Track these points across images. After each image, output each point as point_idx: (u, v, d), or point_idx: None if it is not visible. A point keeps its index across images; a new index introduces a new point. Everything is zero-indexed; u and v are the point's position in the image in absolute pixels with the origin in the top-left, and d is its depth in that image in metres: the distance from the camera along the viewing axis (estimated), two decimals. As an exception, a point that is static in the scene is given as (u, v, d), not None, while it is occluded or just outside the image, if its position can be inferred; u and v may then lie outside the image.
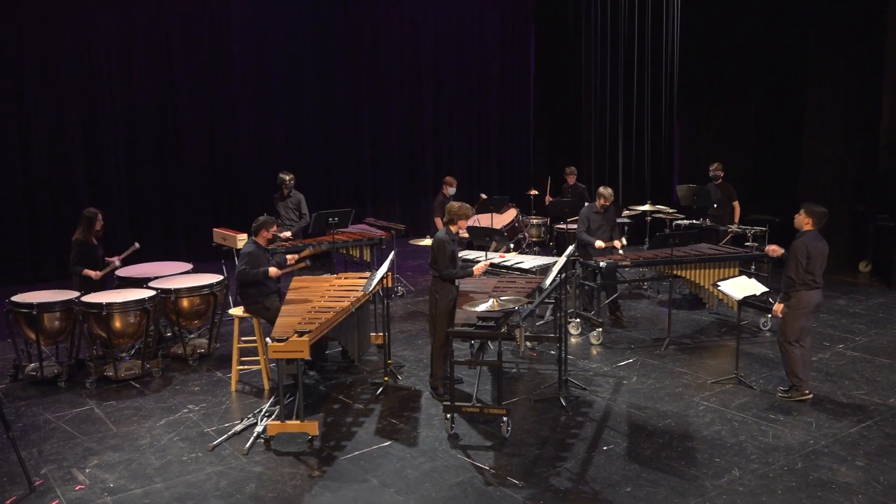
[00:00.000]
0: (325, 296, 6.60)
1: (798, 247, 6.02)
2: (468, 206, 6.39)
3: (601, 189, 8.53)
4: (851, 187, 10.84)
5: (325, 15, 12.80)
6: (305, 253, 7.25)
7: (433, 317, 6.32)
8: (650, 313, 8.98)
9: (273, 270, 6.60)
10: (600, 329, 7.89)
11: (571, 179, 11.21)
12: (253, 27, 12.12)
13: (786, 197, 10.71)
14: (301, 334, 5.52)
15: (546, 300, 7.03)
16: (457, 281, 6.35)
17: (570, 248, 6.61)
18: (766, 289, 6.61)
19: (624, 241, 8.66)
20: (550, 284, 6.17)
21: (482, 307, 5.57)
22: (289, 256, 7.13)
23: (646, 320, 8.70)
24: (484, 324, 5.63)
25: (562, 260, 6.21)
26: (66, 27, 10.56)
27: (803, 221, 6.12)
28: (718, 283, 6.74)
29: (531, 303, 5.99)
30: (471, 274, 6.38)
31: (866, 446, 5.44)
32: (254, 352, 6.92)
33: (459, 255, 8.27)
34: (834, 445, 5.46)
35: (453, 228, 6.33)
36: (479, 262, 7.07)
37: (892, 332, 8.06)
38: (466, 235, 9.03)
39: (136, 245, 7.83)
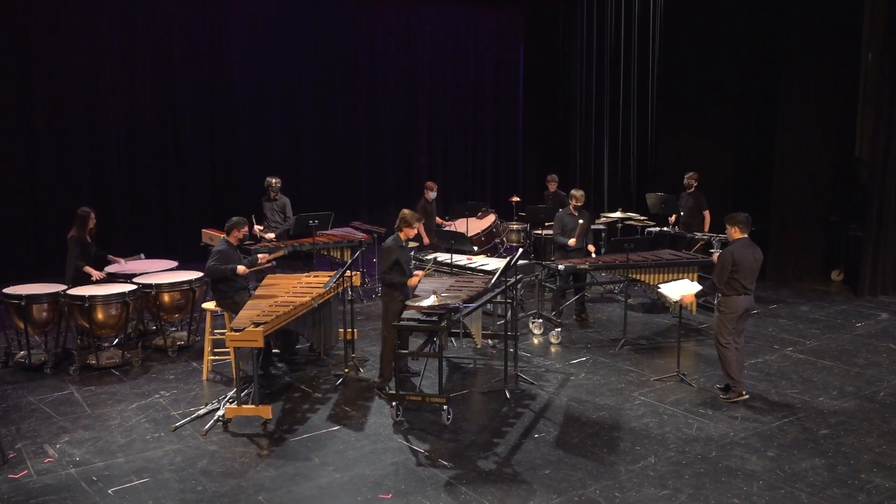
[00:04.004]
0: (290, 292, 7.07)
1: (725, 255, 6.38)
2: (418, 215, 6.79)
3: (573, 191, 8.94)
4: (825, 198, 11.12)
5: (323, 25, 13.33)
6: (277, 254, 7.72)
7: (384, 320, 6.70)
8: (617, 316, 9.33)
9: (241, 269, 7.09)
10: (559, 329, 8.29)
11: (552, 187, 11.61)
12: (252, 37, 12.68)
13: (760, 207, 11.00)
14: (257, 325, 6.00)
15: (502, 300, 7.46)
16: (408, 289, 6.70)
17: (519, 252, 7.01)
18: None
19: (591, 248, 8.98)
20: (493, 285, 6.58)
21: (424, 303, 6.01)
22: (260, 256, 7.60)
23: (610, 322, 9.08)
24: (427, 318, 6.06)
25: (503, 263, 6.62)
26: (72, 36, 11.16)
27: (730, 232, 6.49)
28: (659, 286, 7.12)
29: (470, 301, 6.39)
30: (404, 283, 6.60)
31: (782, 439, 5.80)
32: (225, 343, 7.39)
33: (432, 256, 8.77)
34: (752, 438, 5.82)
35: (402, 235, 6.67)
36: (439, 262, 7.48)
37: (843, 337, 8.37)
38: (428, 241, 9.48)
39: (142, 256, 8.39)
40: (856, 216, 10.73)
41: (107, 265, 8.10)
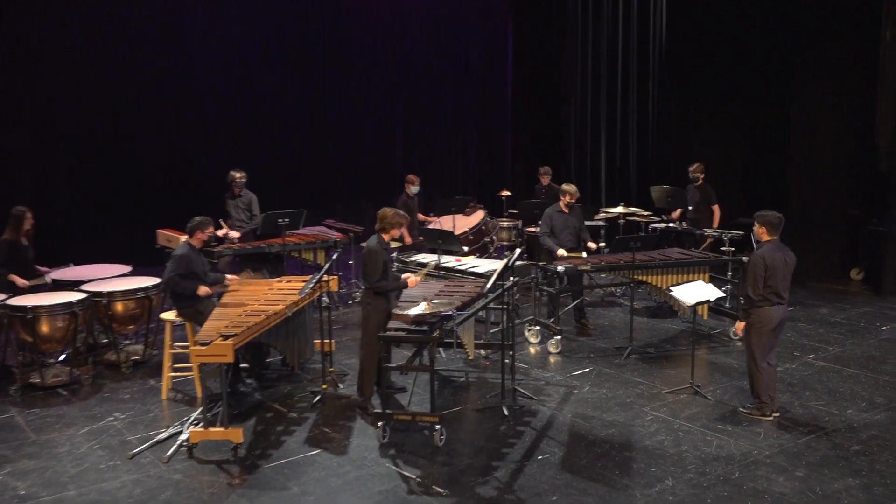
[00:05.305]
0: (261, 299, 6.91)
1: (755, 260, 6.24)
2: (403, 213, 6.67)
3: (565, 186, 8.86)
4: (843, 190, 11.13)
5: (291, 4, 13.15)
6: (244, 275, 7.55)
7: (364, 332, 6.56)
8: (620, 322, 9.27)
9: (203, 290, 6.90)
10: (559, 337, 8.20)
11: (545, 180, 11.53)
12: (214, 19, 12.48)
13: (774, 200, 11.00)
14: (226, 338, 5.83)
15: (496, 306, 7.35)
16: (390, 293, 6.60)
17: (516, 253, 6.91)
18: (721, 294, 6.92)
19: (592, 245, 8.94)
20: (489, 290, 6.46)
21: (414, 310, 5.88)
22: (229, 277, 7.42)
23: (613, 329, 9.01)
24: (417, 328, 5.93)
25: (500, 265, 6.52)
26: (12, 14, 10.91)
27: (759, 232, 6.38)
28: (671, 289, 7.05)
29: (464, 307, 6.27)
30: (405, 286, 6.61)
31: (810, 457, 5.74)
32: (188, 358, 7.20)
33: (416, 257, 8.65)
34: (777, 456, 5.76)
35: (385, 237, 6.56)
36: (424, 264, 7.36)
37: (868, 342, 8.37)
38: (410, 241, 9.36)
39: (72, 265, 8.21)
40: (877, 209, 10.74)
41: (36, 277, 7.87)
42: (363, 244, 7.35)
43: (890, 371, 7.47)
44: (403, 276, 6.71)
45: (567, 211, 8.76)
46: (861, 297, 10.27)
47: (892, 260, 10.16)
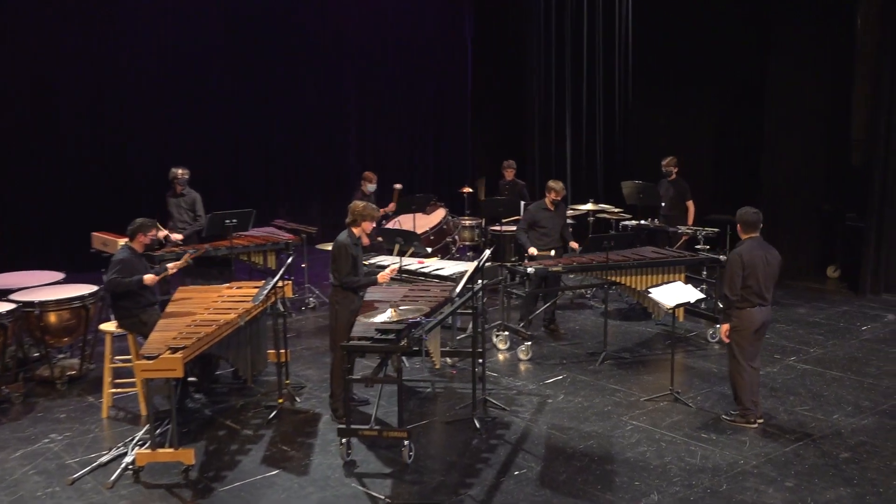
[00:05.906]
0: (211, 307, 6.74)
1: (732, 259, 6.28)
2: (373, 206, 6.62)
3: (551, 183, 8.82)
4: (818, 185, 11.30)
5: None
6: (184, 260, 7.31)
7: (333, 330, 6.51)
8: (592, 325, 9.28)
9: (149, 278, 6.72)
10: (529, 343, 8.16)
11: (509, 174, 11.48)
12: (148, 3, 12.19)
13: (746, 195, 11.12)
14: (174, 350, 5.66)
15: (464, 311, 7.27)
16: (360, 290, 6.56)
17: (486, 254, 6.85)
18: (702, 295, 6.95)
19: (574, 245, 8.97)
20: (460, 294, 6.39)
21: (380, 318, 5.78)
22: (169, 265, 7.23)
23: (585, 333, 9.01)
24: (382, 337, 5.82)
25: (472, 267, 6.45)
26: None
27: (738, 230, 6.43)
28: (649, 290, 7.06)
29: (435, 314, 6.20)
30: (375, 282, 6.59)
31: (799, 466, 5.78)
32: (130, 373, 7.01)
33: (375, 259, 8.54)
34: (765, 465, 5.79)
35: (356, 231, 6.58)
36: (384, 267, 7.25)
37: (849, 343, 8.49)
38: (367, 242, 9.24)
39: None
40: (852, 205, 10.91)
41: None
42: (319, 245, 7.27)
43: (874, 373, 7.58)
44: (380, 274, 6.68)
45: (552, 209, 8.74)
46: (839, 295, 10.44)
47: (871, 257, 10.32)
